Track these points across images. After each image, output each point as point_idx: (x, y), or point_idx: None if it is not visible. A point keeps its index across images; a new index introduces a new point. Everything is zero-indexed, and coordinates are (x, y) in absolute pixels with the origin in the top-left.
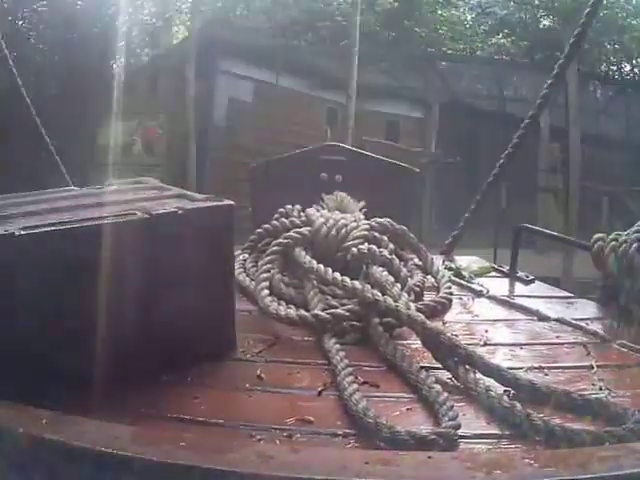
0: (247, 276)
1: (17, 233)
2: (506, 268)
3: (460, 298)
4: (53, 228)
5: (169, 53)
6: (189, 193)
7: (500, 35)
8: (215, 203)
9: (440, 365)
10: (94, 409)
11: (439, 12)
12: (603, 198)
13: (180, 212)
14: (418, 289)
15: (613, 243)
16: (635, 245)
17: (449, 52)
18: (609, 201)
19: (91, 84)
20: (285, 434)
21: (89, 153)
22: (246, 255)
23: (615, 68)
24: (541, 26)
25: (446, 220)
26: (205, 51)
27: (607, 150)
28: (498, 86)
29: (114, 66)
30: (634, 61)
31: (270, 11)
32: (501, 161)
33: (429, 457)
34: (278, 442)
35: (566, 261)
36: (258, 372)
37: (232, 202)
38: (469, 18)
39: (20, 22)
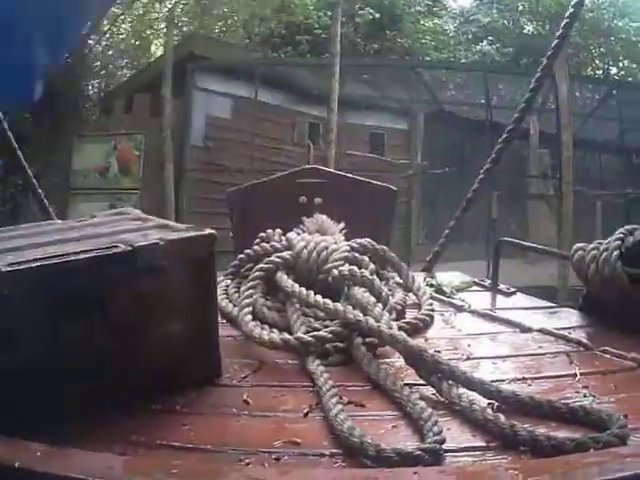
0: (230, 302)
1: (3, 269)
2: (488, 282)
3: (442, 314)
4: (38, 264)
5: (145, 71)
6: (171, 223)
7: (484, 42)
8: (196, 233)
9: (424, 382)
10: (85, 440)
11: (421, 22)
12: (597, 203)
13: (162, 243)
14: (400, 307)
15: (594, 252)
16: (616, 253)
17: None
18: (603, 206)
19: (63, 106)
20: (273, 457)
21: (65, 178)
22: (228, 281)
23: (601, 72)
24: (525, 31)
25: (435, 233)
26: (181, 68)
27: (599, 154)
28: (484, 94)
29: (89, 87)
30: (620, 64)
31: (248, 25)
32: (485, 167)
33: (415, 473)
34: (267, 465)
35: (561, 270)
36: (244, 397)
37: (213, 231)
38: (452, 27)
39: None
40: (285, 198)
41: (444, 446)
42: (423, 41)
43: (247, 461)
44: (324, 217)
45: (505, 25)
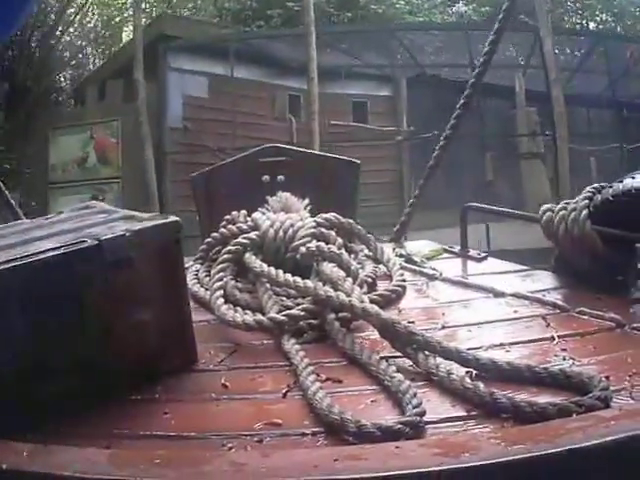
0: (201, 286)
1: None
2: (457, 248)
3: (414, 284)
4: (6, 266)
5: (116, 57)
6: (136, 214)
7: (460, 3)
8: (161, 221)
9: (400, 354)
10: (69, 436)
11: None
12: (590, 159)
13: (128, 234)
14: (370, 280)
15: (562, 212)
16: (585, 212)
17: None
18: (596, 161)
19: (35, 100)
20: (255, 439)
21: (43, 173)
22: (198, 265)
23: (579, 27)
24: None
25: (427, 200)
26: (153, 50)
27: (587, 109)
28: (467, 54)
29: (60, 79)
30: (598, 18)
31: (218, 2)
32: (450, 123)
33: (397, 447)
34: (249, 448)
35: None
36: (222, 381)
37: (177, 218)
38: None
39: None
40: (248, 179)
41: (425, 418)
42: (397, 6)
43: (229, 446)
44: (288, 195)
45: None
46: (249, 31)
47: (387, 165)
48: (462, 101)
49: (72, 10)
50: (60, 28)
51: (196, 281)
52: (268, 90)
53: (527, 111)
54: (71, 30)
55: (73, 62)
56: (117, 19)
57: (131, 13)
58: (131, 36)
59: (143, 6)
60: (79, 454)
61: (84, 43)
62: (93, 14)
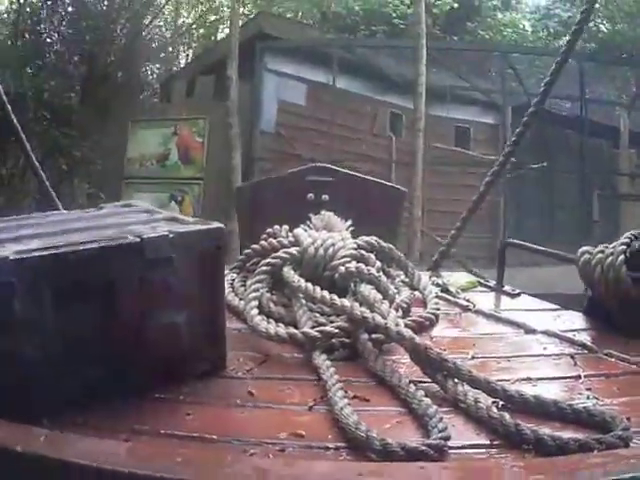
0: (236, 295)
1: (11, 257)
2: (493, 283)
3: (447, 313)
4: (46, 253)
5: (209, 53)
6: (180, 216)
7: (565, 38)
8: (205, 226)
9: (429, 379)
10: (89, 426)
11: (499, 16)
12: None
13: (171, 235)
14: (406, 305)
15: (599, 255)
16: (621, 257)
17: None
18: None
19: (115, 88)
20: (278, 448)
21: (119, 166)
22: (234, 275)
23: None
24: (604, 29)
25: (522, 235)
26: (250, 48)
27: None
28: (579, 87)
29: (147, 71)
30: None
31: (321, 4)
32: (503, 155)
33: (421, 467)
34: (271, 456)
35: None
36: (249, 388)
37: (222, 225)
38: (528, 24)
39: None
40: (293, 195)
41: (449, 443)
42: (504, 33)
43: (252, 452)
44: (331, 214)
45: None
46: (354, 39)
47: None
48: (519, 129)
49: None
50: (149, 16)
51: (231, 290)
52: (370, 104)
53: (629, 152)
54: (161, 23)
55: (161, 55)
56: (212, 18)
57: (227, 13)
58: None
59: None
60: (97, 444)
61: (175, 36)
62: (184, 8)
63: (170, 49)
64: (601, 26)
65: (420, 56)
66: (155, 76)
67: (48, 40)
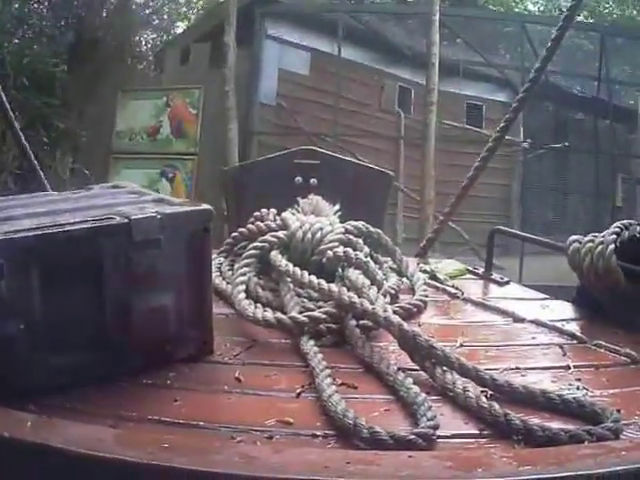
0: (223, 279)
1: None
2: (481, 270)
3: (435, 300)
4: (33, 233)
5: (205, 19)
6: (167, 197)
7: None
8: (193, 207)
9: (417, 367)
10: (76, 411)
11: None
12: None
13: (159, 216)
14: (394, 292)
15: (589, 245)
16: (611, 247)
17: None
18: None
19: (105, 54)
20: (265, 435)
21: (107, 140)
22: (222, 259)
23: None
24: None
25: (535, 223)
26: (249, 13)
27: None
28: (598, 64)
29: (138, 37)
30: None
31: None
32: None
33: (410, 456)
34: (259, 443)
35: None
36: (236, 374)
37: (209, 207)
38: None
39: None
40: (281, 178)
41: (437, 432)
42: (516, 10)
43: (239, 439)
44: (319, 198)
45: None
46: (361, 5)
47: (497, 179)
48: (514, 105)
49: None
50: None
51: (218, 273)
52: (377, 77)
53: None
54: None
55: (155, 21)
56: None
57: None
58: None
59: None
60: (84, 430)
61: (170, 2)
62: None
63: (165, 16)
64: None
65: (433, 22)
66: (149, 46)
67: (35, 5)
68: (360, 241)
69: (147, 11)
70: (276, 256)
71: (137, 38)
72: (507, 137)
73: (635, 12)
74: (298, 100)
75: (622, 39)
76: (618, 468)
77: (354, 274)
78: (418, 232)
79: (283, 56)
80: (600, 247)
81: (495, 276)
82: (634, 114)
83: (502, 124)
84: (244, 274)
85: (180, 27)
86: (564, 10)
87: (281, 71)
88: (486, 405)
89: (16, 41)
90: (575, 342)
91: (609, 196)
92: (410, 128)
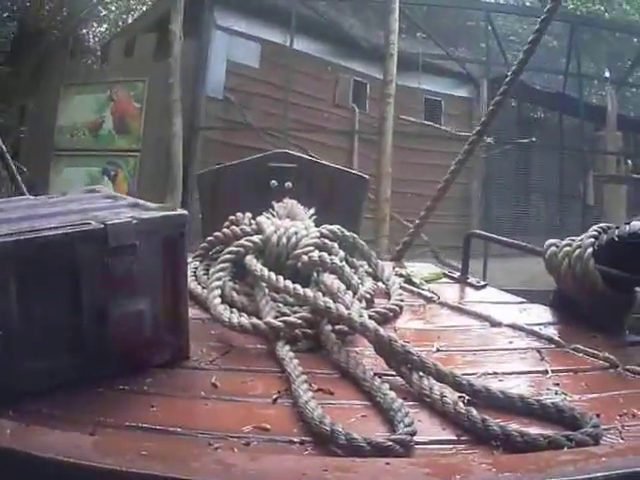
0: (198, 284)
1: None
2: (457, 274)
3: (411, 305)
4: (8, 239)
5: (152, 10)
6: (142, 202)
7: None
8: (168, 212)
9: (394, 372)
10: (55, 418)
11: None
12: None
13: (134, 222)
14: (369, 296)
15: (567, 248)
16: (589, 250)
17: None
18: None
19: (49, 47)
20: (242, 442)
21: (47, 136)
22: (197, 263)
23: None
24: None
25: (496, 223)
26: (198, 2)
27: None
28: (569, 57)
29: (83, 30)
30: None
31: None
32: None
33: (387, 463)
34: (236, 450)
35: None
36: (213, 380)
37: (185, 211)
38: None
39: None
40: (255, 182)
41: (415, 438)
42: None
43: (216, 445)
44: (294, 202)
45: None
46: None
47: (457, 177)
48: (491, 106)
49: None
50: None
51: (194, 278)
52: (331, 70)
53: (615, 135)
54: None
55: (102, 12)
56: None
57: None
58: None
59: None
60: (62, 437)
61: None
62: None
63: (114, 7)
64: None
65: (392, 11)
66: (97, 39)
67: None
68: (335, 245)
69: (94, 1)
70: (251, 260)
71: (84, 31)
72: (466, 133)
73: (602, 8)
74: (247, 94)
75: (590, 35)
76: (598, 474)
77: (329, 279)
78: (374, 232)
79: (232, 47)
80: (578, 251)
81: (471, 280)
82: (602, 111)
83: (478, 127)
84: (219, 279)
85: (130, 19)
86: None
87: (230, 63)
88: (463, 411)
89: None
90: (553, 346)
91: (577, 195)
92: (365, 124)
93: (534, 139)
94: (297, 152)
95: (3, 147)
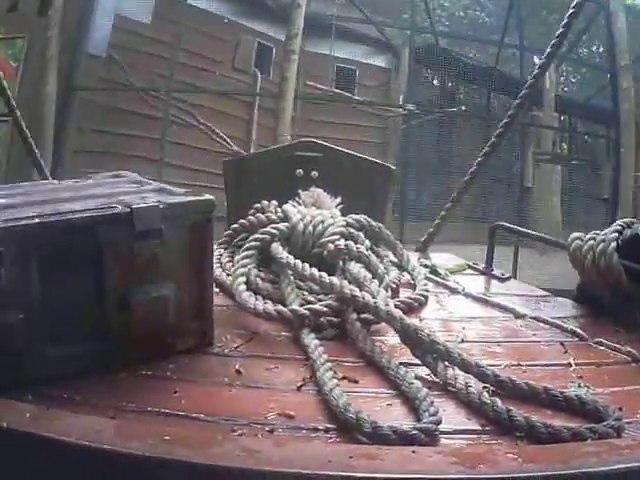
0: (223, 271)
1: None
2: (482, 265)
3: (436, 295)
4: (34, 221)
5: None
6: (168, 187)
7: None
8: (195, 198)
9: (418, 361)
10: (75, 403)
11: None
12: None
13: (161, 206)
14: (395, 285)
15: (591, 242)
16: (613, 245)
17: None
18: None
19: None
20: (267, 429)
21: None
22: (222, 250)
23: None
24: None
25: (413, 207)
26: None
27: None
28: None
29: None
30: None
31: None
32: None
33: (413, 451)
34: (260, 437)
35: None
36: (237, 367)
37: (212, 197)
38: None
39: None
40: (281, 170)
41: (439, 427)
42: None
43: (240, 432)
44: (320, 191)
45: None
46: None
47: (370, 153)
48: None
49: None
50: None
51: (218, 265)
52: (232, 30)
53: (552, 115)
54: None
55: None
56: None
57: None
58: None
59: None
60: (83, 421)
61: None
62: None
63: None
64: None
65: None
66: None
67: None
68: (361, 234)
69: None
70: (277, 248)
71: None
72: (382, 105)
73: None
74: (135, 52)
75: (529, 10)
76: (622, 466)
77: (355, 267)
78: None
79: (122, 0)
80: (602, 245)
81: (496, 272)
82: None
83: (499, 130)
84: (244, 265)
85: None
86: None
87: (117, 18)
88: (488, 401)
89: None
90: (576, 339)
91: (513, 176)
92: (268, 91)
93: (463, 108)
94: (187, 118)
95: (27, 132)
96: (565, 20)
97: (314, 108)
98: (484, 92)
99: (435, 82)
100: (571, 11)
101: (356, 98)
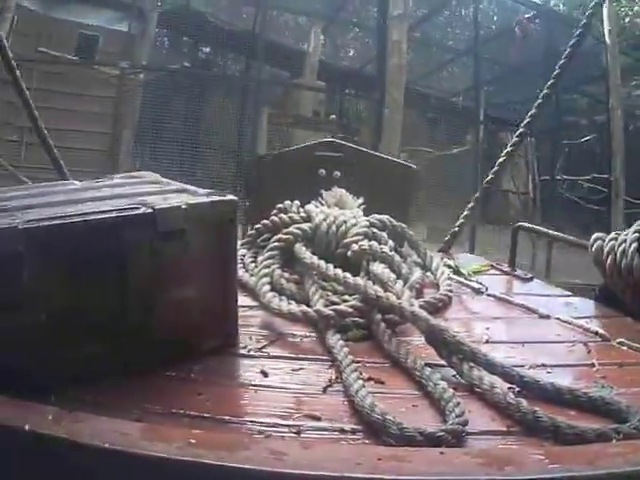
0: (246, 272)
1: (20, 226)
2: (505, 266)
3: (459, 296)
4: (56, 222)
5: None
6: (190, 187)
7: None
8: (218, 198)
9: (444, 362)
10: (98, 405)
11: None
12: None
13: (184, 207)
14: (418, 286)
15: (612, 242)
16: (634, 245)
17: None
18: None
19: None
20: (293, 430)
21: None
22: (245, 251)
23: None
24: None
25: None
26: None
27: None
28: None
29: None
30: None
31: None
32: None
33: (441, 453)
34: (287, 439)
35: None
36: (262, 368)
37: (235, 197)
38: None
39: None
40: (302, 170)
41: (466, 428)
42: None
43: (266, 434)
44: (343, 191)
45: None
46: None
47: (99, 126)
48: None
49: None
50: None
51: (241, 266)
52: None
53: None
54: None
55: None
56: None
57: None
58: None
59: None
60: (107, 424)
61: None
62: None
63: None
64: None
65: None
66: None
67: None
68: (384, 235)
69: None
70: (300, 249)
71: None
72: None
73: None
74: None
75: None
76: None
77: (379, 268)
78: None
79: None
80: (623, 245)
81: (519, 272)
82: (298, 55)
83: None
84: (268, 266)
85: None
86: None
87: None
88: (514, 402)
89: None
90: (599, 340)
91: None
92: None
93: (186, 64)
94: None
95: (45, 132)
96: None
97: (52, 78)
98: (242, 59)
99: (185, 49)
100: None
101: (97, 68)
